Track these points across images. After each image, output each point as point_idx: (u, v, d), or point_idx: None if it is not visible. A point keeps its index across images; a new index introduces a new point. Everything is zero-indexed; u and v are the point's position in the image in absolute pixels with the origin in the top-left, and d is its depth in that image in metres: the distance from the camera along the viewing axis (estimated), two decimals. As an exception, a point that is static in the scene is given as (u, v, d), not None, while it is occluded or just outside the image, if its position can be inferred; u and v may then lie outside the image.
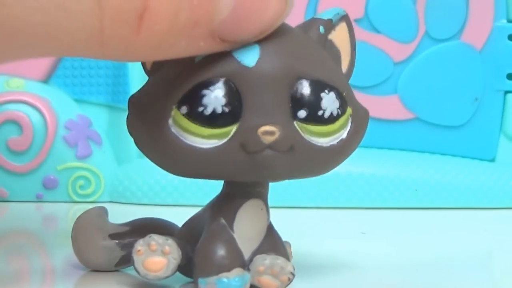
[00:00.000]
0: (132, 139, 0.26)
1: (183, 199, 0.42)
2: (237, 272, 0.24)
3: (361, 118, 0.26)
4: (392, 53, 0.45)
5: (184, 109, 0.24)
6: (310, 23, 0.26)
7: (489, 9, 0.45)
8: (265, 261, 0.25)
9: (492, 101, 0.46)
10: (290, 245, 0.28)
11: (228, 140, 0.24)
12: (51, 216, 0.42)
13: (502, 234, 0.39)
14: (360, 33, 0.45)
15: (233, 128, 0.24)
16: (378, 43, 0.45)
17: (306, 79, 0.24)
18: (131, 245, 0.26)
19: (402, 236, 0.38)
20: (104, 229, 0.28)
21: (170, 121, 0.24)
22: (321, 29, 0.26)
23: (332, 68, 0.26)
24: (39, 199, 0.44)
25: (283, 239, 0.27)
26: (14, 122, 0.43)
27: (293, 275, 0.25)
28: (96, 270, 0.28)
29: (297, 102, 0.24)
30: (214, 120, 0.24)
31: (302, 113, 0.24)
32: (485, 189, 0.45)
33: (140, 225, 0.29)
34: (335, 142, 0.25)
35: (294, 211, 0.43)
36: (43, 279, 0.29)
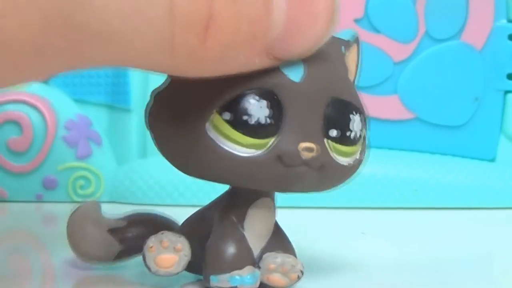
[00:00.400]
0: (151, 136, 0.25)
1: (183, 199, 0.42)
2: (248, 269, 0.25)
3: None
4: (392, 53, 0.45)
5: (227, 115, 0.24)
6: (333, 42, 0.26)
7: (489, 9, 0.45)
8: (276, 259, 0.25)
9: (492, 101, 0.46)
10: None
11: (265, 151, 0.24)
12: (51, 216, 0.42)
13: (502, 234, 0.39)
14: (360, 33, 0.44)
15: (271, 140, 0.24)
16: (378, 43, 0.45)
17: (339, 99, 0.25)
18: (129, 240, 0.26)
19: (402, 236, 0.38)
20: (101, 223, 0.28)
21: (207, 125, 0.24)
22: (343, 49, 0.26)
23: (355, 89, 0.26)
24: (39, 199, 0.44)
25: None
26: (14, 122, 0.43)
27: (302, 273, 0.25)
28: (94, 264, 0.28)
29: (330, 121, 0.25)
30: (257, 130, 0.24)
31: (333, 132, 0.25)
32: (485, 189, 0.45)
33: (138, 220, 0.29)
34: (352, 162, 0.26)
35: (294, 211, 0.43)
36: (43, 279, 0.29)
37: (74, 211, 0.28)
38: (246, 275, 0.25)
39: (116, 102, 0.45)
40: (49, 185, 0.44)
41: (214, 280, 0.25)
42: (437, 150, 0.46)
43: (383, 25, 0.45)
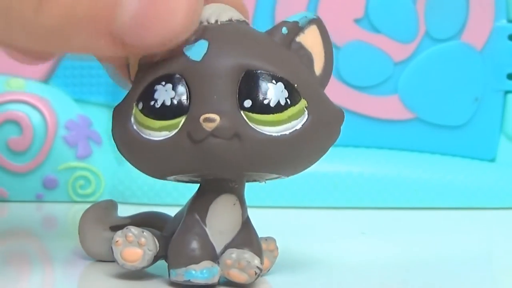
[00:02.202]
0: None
1: (183, 198, 0.42)
2: (205, 264, 0.25)
3: (326, 115, 0.26)
4: (392, 53, 0.45)
5: (140, 105, 0.25)
6: (276, 26, 0.27)
7: (489, 9, 0.45)
8: (232, 255, 0.25)
9: (492, 101, 0.46)
10: (274, 241, 0.28)
11: (177, 131, 0.25)
12: (51, 216, 0.42)
13: (502, 234, 0.39)
14: (360, 33, 0.45)
15: (181, 120, 0.25)
16: (378, 43, 0.45)
17: (252, 70, 0.25)
18: None
19: (402, 236, 0.38)
20: (106, 221, 0.29)
21: (132, 119, 0.26)
22: (284, 30, 0.26)
23: (290, 63, 0.26)
24: (39, 199, 0.44)
25: (270, 237, 0.27)
26: (14, 122, 0.43)
27: (260, 269, 0.25)
28: (100, 260, 0.29)
29: (243, 92, 0.25)
30: (163, 112, 0.25)
31: (247, 103, 0.25)
32: (485, 189, 0.45)
33: (141, 218, 0.30)
34: (286, 132, 0.25)
35: (294, 211, 0.43)
36: (43, 279, 0.29)
37: (88, 208, 0.29)
38: (201, 270, 0.25)
39: (116, 102, 0.45)
40: (49, 185, 0.44)
41: (173, 274, 0.26)
42: (437, 150, 0.46)
43: (383, 25, 0.45)
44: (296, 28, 0.26)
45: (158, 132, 0.25)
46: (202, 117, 0.24)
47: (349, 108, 0.45)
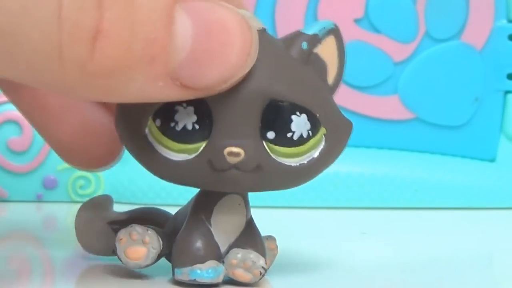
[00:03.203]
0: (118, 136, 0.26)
1: (183, 199, 0.42)
2: (210, 264, 0.25)
3: (339, 135, 0.26)
4: (392, 53, 0.45)
5: (158, 122, 0.25)
6: (294, 38, 0.26)
7: (489, 9, 0.45)
8: (238, 255, 0.26)
9: (492, 101, 0.46)
10: (275, 240, 0.28)
11: (196, 156, 0.25)
12: (51, 216, 0.42)
13: (502, 234, 0.39)
14: (360, 33, 0.45)
15: (202, 145, 0.24)
16: (378, 43, 0.45)
17: (278, 101, 0.25)
18: None
19: (402, 236, 0.38)
20: (104, 216, 0.29)
21: (147, 131, 0.25)
22: (304, 45, 0.26)
23: (310, 87, 0.26)
24: (39, 199, 0.44)
25: (270, 235, 0.27)
26: (14, 122, 0.43)
27: (265, 269, 0.26)
28: (97, 255, 0.29)
29: (266, 123, 0.25)
30: (184, 136, 0.24)
31: (270, 135, 0.25)
32: (485, 189, 0.45)
33: (139, 214, 0.30)
34: (305, 161, 0.25)
35: (295, 211, 0.43)
36: (43, 279, 0.29)
37: (84, 203, 0.29)
38: (206, 269, 0.25)
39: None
40: (49, 185, 0.44)
41: (178, 273, 0.25)
42: (437, 150, 0.46)
43: (383, 25, 0.45)
44: (316, 41, 0.26)
45: (177, 154, 0.25)
46: (226, 151, 0.24)
47: (349, 108, 0.45)
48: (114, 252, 0.28)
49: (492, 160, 0.46)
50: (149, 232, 0.26)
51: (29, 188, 0.44)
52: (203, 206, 0.26)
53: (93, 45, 0.21)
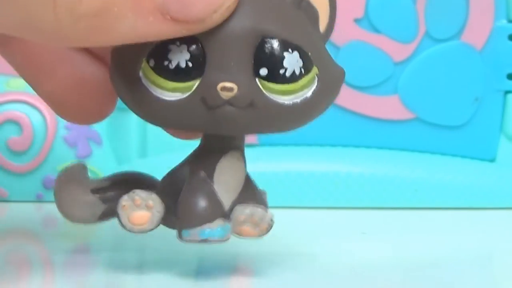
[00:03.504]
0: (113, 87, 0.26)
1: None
2: (218, 222, 0.25)
3: (331, 78, 0.26)
4: (392, 53, 0.45)
5: (152, 62, 0.25)
6: None
7: (489, 9, 0.45)
8: (246, 210, 0.26)
9: (492, 101, 0.46)
10: (266, 194, 0.28)
11: (190, 94, 0.25)
12: (51, 216, 0.42)
13: (502, 234, 0.39)
14: (360, 33, 0.45)
15: (196, 83, 0.25)
16: (378, 43, 0.45)
17: (270, 38, 0.25)
18: (112, 199, 0.27)
19: (402, 236, 0.38)
20: (85, 184, 0.29)
21: (141, 73, 0.25)
22: None
23: (302, 28, 0.26)
24: (39, 199, 0.44)
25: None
26: (14, 122, 0.43)
27: (273, 221, 0.26)
28: (80, 223, 0.29)
29: (259, 60, 0.25)
30: (177, 74, 0.25)
31: (263, 71, 0.25)
32: (485, 189, 0.45)
33: (121, 179, 0.29)
34: (298, 100, 0.25)
35: (295, 211, 0.43)
36: (43, 279, 0.29)
37: (61, 172, 0.29)
38: (216, 228, 0.25)
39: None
40: (49, 185, 0.44)
41: (185, 234, 0.25)
42: (437, 150, 0.46)
43: (383, 25, 0.45)
44: None
45: (171, 93, 0.25)
46: (219, 86, 0.24)
47: (349, 108, 0.45)
48: (100, 219, 0.28)
49: (492, 160, 0.46)
50: (152, 196, 0.26)
51: (29, 188, 0.44)
52: (204, 165, 0.26)
53: None
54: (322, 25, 0.27)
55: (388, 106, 0.45)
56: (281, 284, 0.27)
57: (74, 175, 0.29)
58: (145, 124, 0.41)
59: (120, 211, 0.26)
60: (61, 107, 0.29)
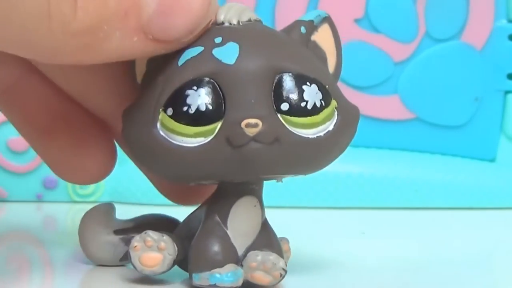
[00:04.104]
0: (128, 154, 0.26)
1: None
2: (229, 267, 0.25)
3: (350, 113, 0.26)
4: (392, 53, 0.45)
5: (170, 111, 0.25)
6: (292, 25, 0.27)
7: (489, 9, 0.45)
8: (258, 257, 0.25)
9: (492, 101, 0.46)
10: (287, 241, 0.28)
11: (214, 137, 0.24)
12: (51, 216, 0.42)
13: (502, 234, 0.39)
14: (360, 33, 0.45)
15: (218, 125, 0.24)
16: (378, 43, 0.45)
17: (287, 73, 0.25)
18: None
19: (402, 236, 0.38)
20: (109, 224, 0.29)
21: (158, 125, 0.25)
22: (302, 29, 0.26)
23: (314, 63, 0.26)
24: (39, 199, 0.44)
25: (283, 237, 0.27)
26: (14, 122, 0.43)
27: (285, 271, 0.25)
28: (102, 265, 0.29)
29: (279, 95, 0.25)
30: (198, 118, 0.24)
31: (284, 106, 0.25)
32: (485, 189, 0.45)
33: (144, 221, 0.29)
34: (321, 134, 0.25)
35: (294, 211, 0.43)
36: (43, 279, 0.29)
37: (86, 212, 0.29)
38: (226, 273, 0.25)
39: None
40: (49, 185, 0.44)
41: (196, 278, 0.25)
42: (437, 150, 0.46)
43: (383, 25, 0.45)
44: (312, 27, 0.27)
45: (193, 139, 0.24)
46: (244, 122, 0.24)
47: (349, 108, 0.45)
48: (122, 260, 0.28)
49: (492, 160, 0.46)
50: (164, 238, 0.26)
51: (29, 188, 0.44)
52: (218, 209, 0.26)
53: (75, 3, 0.23)
54: (331, 65, 0.27)
55: (388, 106, 0.45)
56: (281, 283, 0.27)
57: (99, 214, 0.29)
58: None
59: (131, 251, 0.26)
60: (57, 166, 0.30)
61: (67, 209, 0.43)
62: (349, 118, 0.26)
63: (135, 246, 0.25)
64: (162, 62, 0.25)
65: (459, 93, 0.45)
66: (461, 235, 0.39)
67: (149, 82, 0.26)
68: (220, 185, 0.26)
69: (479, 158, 0.46)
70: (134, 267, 0.26)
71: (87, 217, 0.29)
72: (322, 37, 0.27)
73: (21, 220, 0.40)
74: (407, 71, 0.45)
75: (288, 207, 0.43)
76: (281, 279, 0.25)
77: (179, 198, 0.30)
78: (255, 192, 0.26)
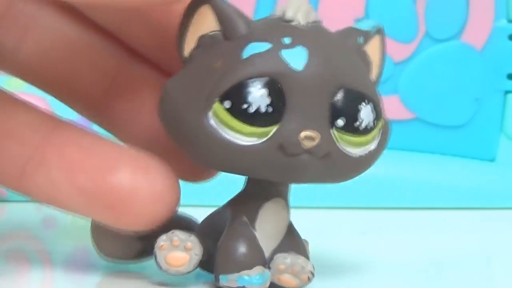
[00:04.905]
0: (164, 126, 0.26)
1: (183, 199, 0.42)
2: (258, 270, 0.25)
3: (387, 132, 0.26)
4: (392, 53, 0.45)
5: (227, 104, 0.24)
6: (349, 32, 0.26)
7: (489, 9, 0.45)
8: (286, 260, 0.25)
9: (492, 101, 0.46)
10: (308, 244, 0.28)
11: (267, 140, 0.24)
12: (51, 216, 0.42)
13: (502, 234, 0.39)
14: (360, 33, 0.45)
15: (273, 129, 0.24)
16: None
17: (348, 89, 0.25)
18: (148, 237, 0.26)
19: (402, 236, 0.38)
20: None
21: (210, 114, 0.24)
22: (361, 39, 0.26)
23: (369, 79, 0.26)
24: (39, 199, 0.44)
25: (304, 239, 0.27)
26: (14, 122, 0.43)
27: (313, 274, 0.25)
28: (116, 262, 0.28)
29: (336, 110, 0.24)
30: (257, 119, 0.24)
31: (340, 122, 0.25)
32: (485, 189, 0.45)
33: None
34: (364, 153, 0.25)
35: (294, 211, 0.43)
36: (43, 279, 0.29)
37: None
38: (254, 275, 0.25)
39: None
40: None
41: (223, 279, 0.25)
42: (437, 150, 0.46)
43: (383, 25, 0.45)
44: (369, 38, 0.26)
45: (247, 137, 0.24)
46: (303, 134, 0.24)
47: (349, 108, 0.45)
48: (137, 257, 0.28)
49: (492, 160, 0.46)
50: (191, 237, 0.25)
51: (29, 188, 0.44)
52: (246, 210, 0.26)
53: None
54: (373, 76, 0.27)
55: (388, 106, 0.45)
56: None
57: None
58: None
59: (157, 250, 0.25)
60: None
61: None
62: (386, 137, 0.26)
63: (162, 245, 0.25)
64: (218, 44, 0.25)
65: (459, 93, 0.45)
66: (461, 235, 0.39)
67: (201, 63, 0.25)
68: (249, 186, 0.26)
69: (479, 158, 0.46)
70: (159, 266, 0.25)
71: None
72: (372, 48, 0.27)
73: (21, 220, 0.40)
74: (407, 71, 0.45)
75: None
76: (309, 283, 0.25)
77: (186, 175, 0.29)
78: (283, 194, 0.26)
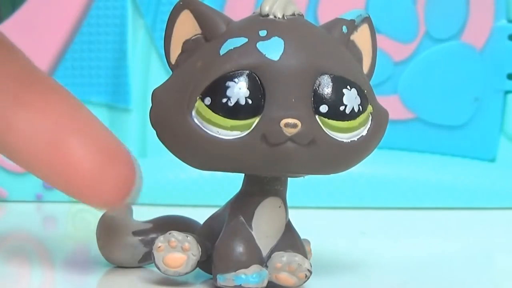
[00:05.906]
0: (155, 132, 0.26)
1: (183, 198, 0.42)
2: (254, 268, 0.25)
3: (381, 117, 0.26)
4: (392, 53, 0.45)
5: (207, 100, 0.24)
6: (334, 23, 0.26)
7: (489, 9, 0.45)
8: (283, 258, 0.25)
9: (492, 101, 0.46)
10: (309, 243, 0.28)
11: (250, 132, 0.24)
12: (51, 216, 0.42)
13: (502, 234, 0.39)
14: (360, 33, 0.45)
15: (255, 120, 0.24)
16: (378, 43, 0.45)
17: (329, 74, 0.25)
18: (153, 242, 0.26)
19: (402, 236, 0.38)
20: (127, 226, 0.28)
21: (194, 112, 0.24)
22: (344, 28, 0.26)
23: (354, 66, 0.26)
24: (39, 199, 0.44)
25: (305, 238, 0.27)
26: (14, 122, 0.43)
27: (310, 272, 0.25)
28: (121, 266, 0.28)
29: (319, 97, 0.25)
30: (237, 112, 0.24)
31: (323, 108, 0.25)
32: (485, 189, 0.45)
33: (163, 222, 0.29)
34: (355, 138, 0.25)
35: (294, 211, 0.43)
36: (43, 279, 0.29)
37: (104, 213, 0.29)
38: (251, 274, 0.25)
39: (116, 102, 0.45)
40: (49, 185, 0.44)
41: (221, 279, 0.25)
42: (437, 150, 0.46)
43: (383, 25, 0.45)
44: (353, 27, 0.27)
45: (229, 131, 0.24)
46: (283, 122, 0.24)
47: (349, 108, 0.45)
48: (140, 261, 0.28)
49: (492, 160, 0.46)
50: (188, 238, 0.25)
51: (29, 188, 0.44)
52: (243, 209, 0.26)
53: None
54: (365, 66, 0.27)
55: (388, 106, 0.45)
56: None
57: (116, 217, 0.29)
58: (145, 124, 0.41)
59: (155, 252, 0.25)
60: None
61: (67, 209, 0.43)
62: (381, 123, 0.26)
63: (159, 247, 0.25)
64: (200, 47, 0.25)
65: (459, 93, 0.45)
66: (461, 235, 0.39)
67: (185, 66, 0.25)
68: (245, 185, 0.26)
69: (479, 158, 0.46)
70: (158, 267, 0.25)
71: (105, 219, 0.29)
72: (361, 37, 0.27)
73: (21, 220, 0.40)
74: (407, 71, 0.45)
75: (288, 207, 0.43)
76: (306, 280, 0.25)
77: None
78: (280, 193, 0.26)
